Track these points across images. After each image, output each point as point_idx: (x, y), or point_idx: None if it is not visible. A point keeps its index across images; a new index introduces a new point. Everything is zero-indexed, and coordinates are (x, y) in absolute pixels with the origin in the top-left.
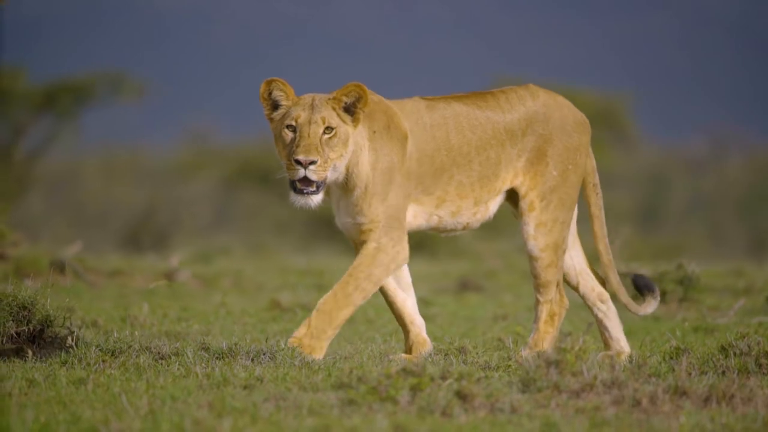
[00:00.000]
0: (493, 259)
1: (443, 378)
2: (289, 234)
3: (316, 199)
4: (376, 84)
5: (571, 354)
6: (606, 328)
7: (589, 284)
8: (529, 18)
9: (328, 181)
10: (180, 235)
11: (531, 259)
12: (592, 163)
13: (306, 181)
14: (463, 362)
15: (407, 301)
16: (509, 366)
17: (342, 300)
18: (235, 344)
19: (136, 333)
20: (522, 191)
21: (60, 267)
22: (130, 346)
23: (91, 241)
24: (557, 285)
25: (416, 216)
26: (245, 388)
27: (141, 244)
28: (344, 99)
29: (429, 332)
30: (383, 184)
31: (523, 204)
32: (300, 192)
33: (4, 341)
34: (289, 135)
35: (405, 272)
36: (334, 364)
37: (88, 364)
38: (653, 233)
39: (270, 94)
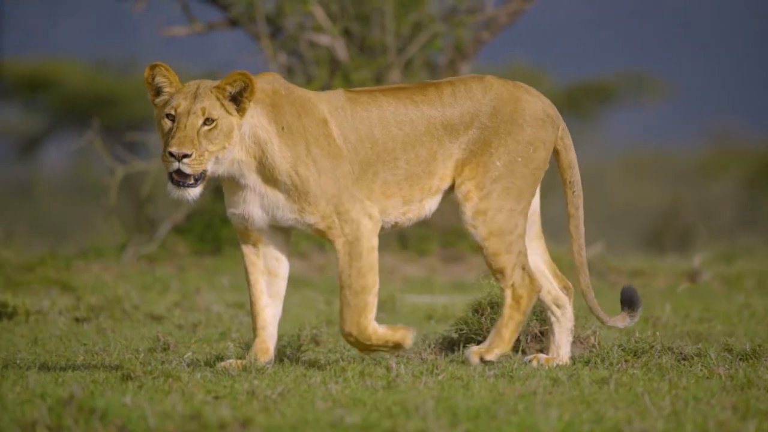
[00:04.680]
0: None
1: None
2: None
3: (194, 192)
4: None
5: None
6: (553, 332)
7: (546, 286)
8: None
9: (209, 173)
10: (702, 236)
11: (478, 248)
12: (568, 158)
13: (181, 173)
14: None
15: (268, 309)
16: None
17: (355, 316)
18: (759, 345)
19: (658, 333)
20: (458, 181)
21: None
22: (652, 347)
23: (613, 241)
24: (523, 268)
25: None
26: None
27: (663, 244)
28: (228, 89)
29: None
30: (314, 179)
31: (459, 194)
32: (177, 184)
33: (528, 340)
34: (167, 124)
35: (281, 284)
36: None
37: (611, 364)
38: None
39: (153, 79)
